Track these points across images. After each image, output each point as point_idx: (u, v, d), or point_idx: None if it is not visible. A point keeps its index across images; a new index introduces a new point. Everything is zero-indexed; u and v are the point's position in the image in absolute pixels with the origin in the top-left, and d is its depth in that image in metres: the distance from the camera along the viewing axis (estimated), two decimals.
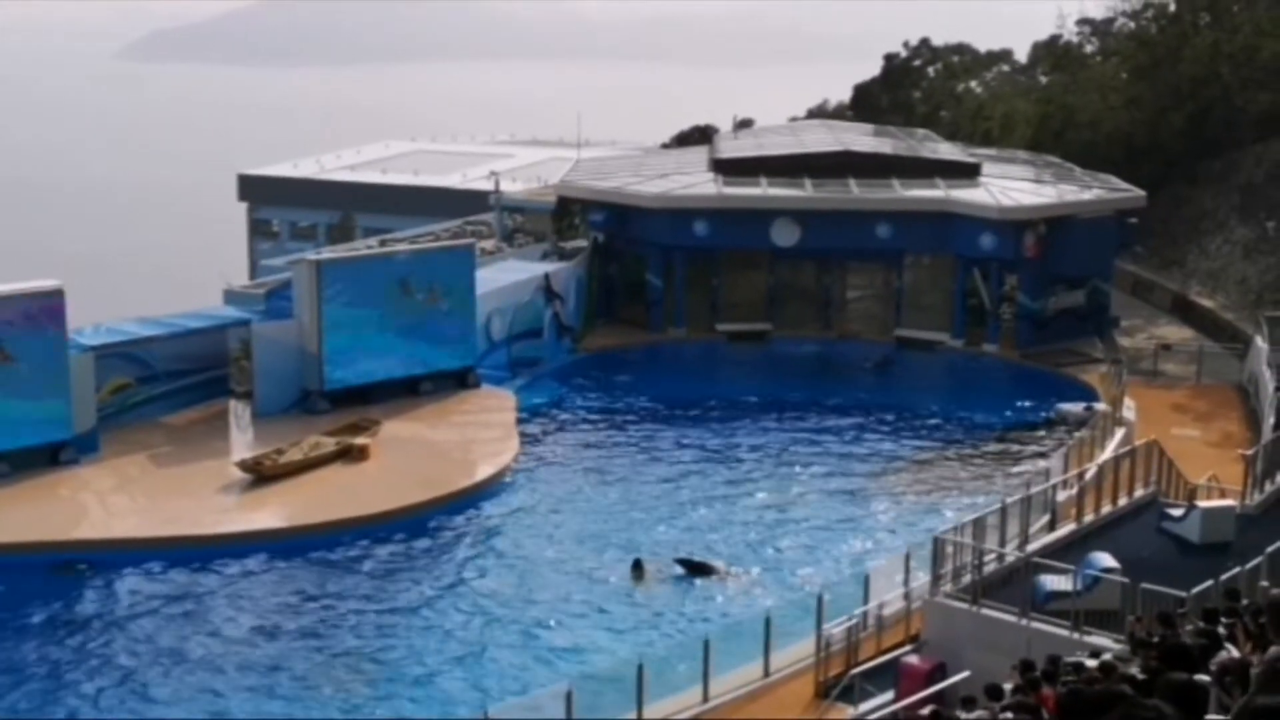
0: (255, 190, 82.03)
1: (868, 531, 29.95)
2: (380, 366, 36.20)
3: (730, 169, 46.03)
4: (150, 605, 25.86)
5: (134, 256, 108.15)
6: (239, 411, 35.41)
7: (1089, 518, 25.02)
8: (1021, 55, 73.04)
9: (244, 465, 31.21)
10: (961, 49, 72.80)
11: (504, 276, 40.84)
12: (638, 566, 27.43)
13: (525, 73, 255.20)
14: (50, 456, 31.07)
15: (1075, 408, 36.29)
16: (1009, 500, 24.16)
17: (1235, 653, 11.74)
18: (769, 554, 28.64)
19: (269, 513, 29.90)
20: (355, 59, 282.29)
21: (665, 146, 65.26)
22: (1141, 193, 44.50)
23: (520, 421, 35.53)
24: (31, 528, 28.24)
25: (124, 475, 31.33)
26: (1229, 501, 25.26)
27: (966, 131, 60.44)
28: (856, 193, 43.87)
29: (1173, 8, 57.49)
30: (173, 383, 34.60)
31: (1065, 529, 24.70)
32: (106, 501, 30.39)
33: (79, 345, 31.99)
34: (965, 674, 19.72)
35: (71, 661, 23.87)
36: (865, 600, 23.20)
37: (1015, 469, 32.83)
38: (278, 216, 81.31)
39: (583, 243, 46.11)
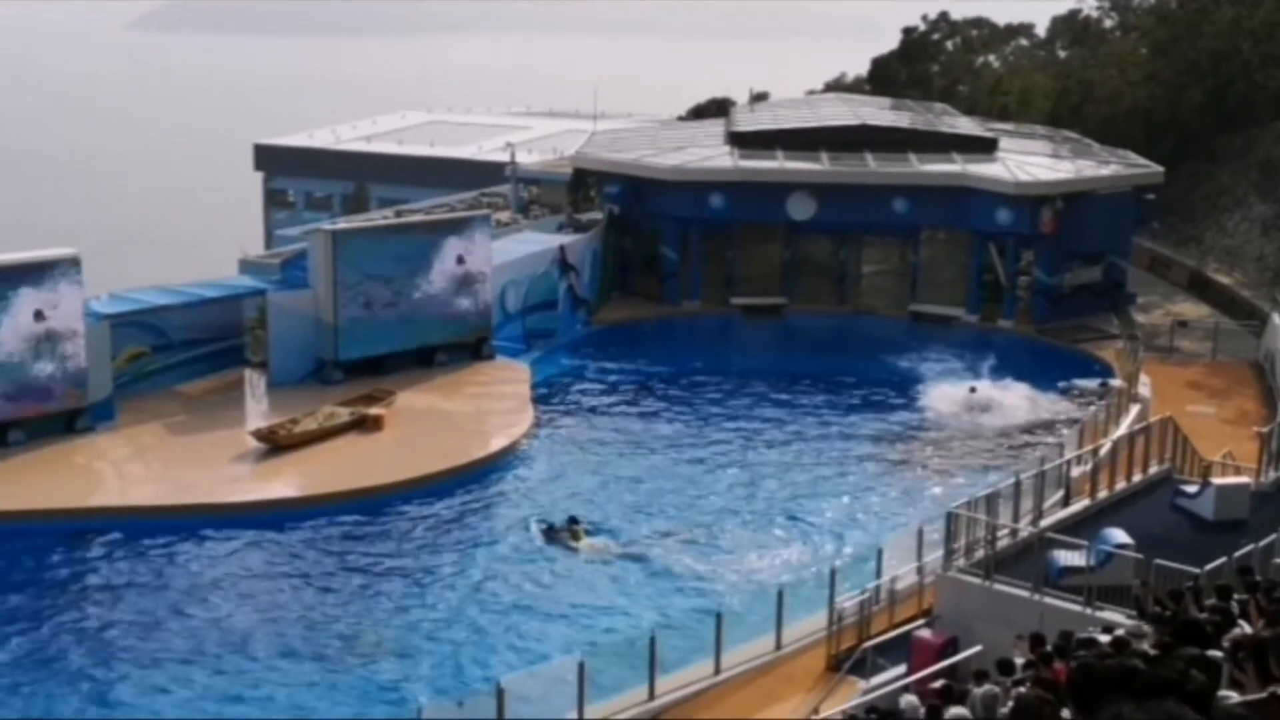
0: (271, 160, 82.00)
1: (878, 505, 29.95)
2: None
3: (746, 142, 45.91)
4: (164, 573, 25.99)
5: (149, 227, 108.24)
6: (254, 381, 35.49)
7: (1103, 494, 25.00)
8: (1041, 29, 72.64)
9: (259, 435, 31.31)
10: (980, 23, 72.30)
11: (519, 248, 40.81)
12: (573, 522, 27.78)
13: (541, 45, 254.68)
14: (66, 424, 31.22)
15: (1090, 384, 36.22)
16: (1023, 475, 24.16)
17: (1248, 629, 11.74)
18: (778, 525, 28.69)
19: (283, 482, 30.00)
20: (368, 30, 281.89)
21: (681, 119, 64.96)
22: (1159, 169, 44.30)
23: (534, 393, 35.57)
24: (47, 495, 28.37)
25: (139, 444, 31.46)
26: (1244, 479, 25.21)
27: (984, 106, 60.10)
28: (873, 167, 43.70)
29: None
30: (188, 352, 34.69)
31: (1079, 505, 24.67)
32: (122, 470, 30.54)
33: (95, 314, 32.08)
34: (977, 649, 19.75)
35: (85, 628, 24.02)
36: (878, 574, 23.23)
37: (1029, 444, 32.79)
38: (293, 186, 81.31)
39: (598, 215, 46.00)
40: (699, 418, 35.41)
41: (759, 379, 38.37)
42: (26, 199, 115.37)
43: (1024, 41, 72.92)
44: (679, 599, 25.39)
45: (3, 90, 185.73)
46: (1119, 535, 21.43)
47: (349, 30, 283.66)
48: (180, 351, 34.54)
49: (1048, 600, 20.53)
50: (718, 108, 63.35)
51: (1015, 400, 35.81)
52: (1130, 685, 7.23)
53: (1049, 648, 14.91)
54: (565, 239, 42.44)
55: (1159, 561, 19.58)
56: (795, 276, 44.65)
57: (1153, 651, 11.10)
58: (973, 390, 36.09)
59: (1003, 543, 22.16)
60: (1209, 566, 18.98)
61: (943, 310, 43.36)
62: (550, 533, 27.80)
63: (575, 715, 19.63)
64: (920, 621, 22.21)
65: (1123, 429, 29.16)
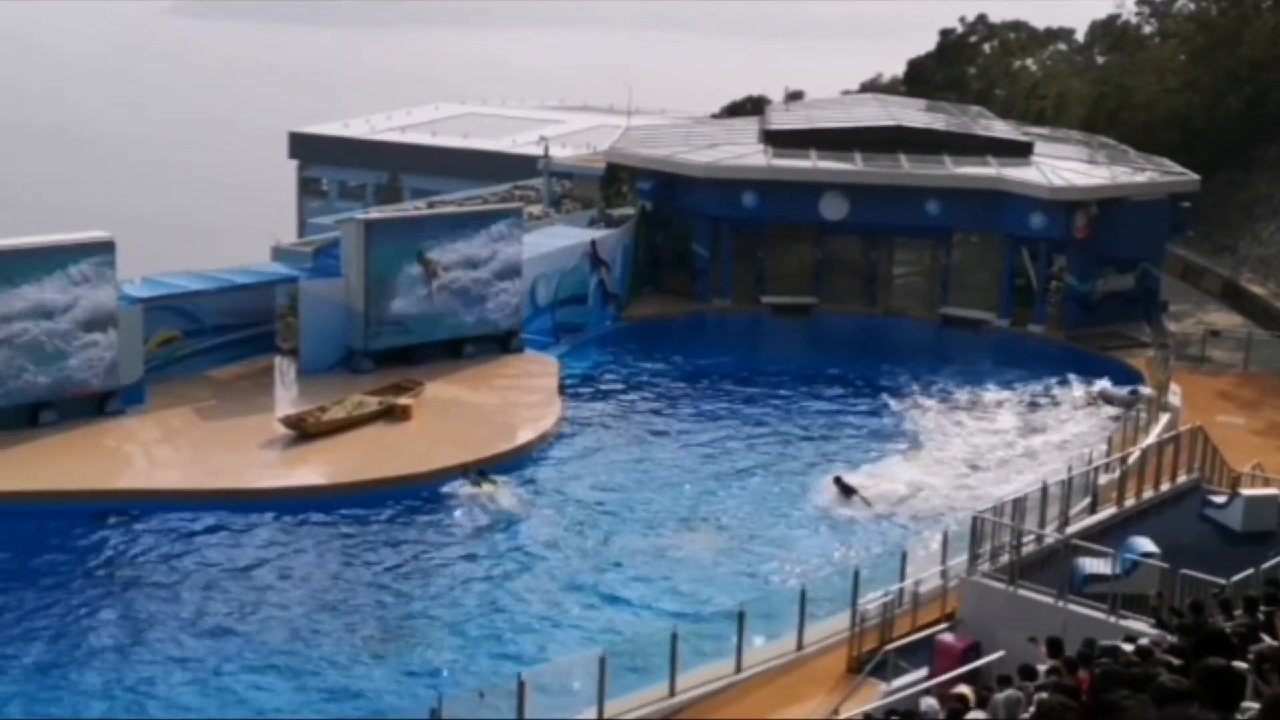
0: (306, 149, 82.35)
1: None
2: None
3: (780, 140, 45.83)
4: (190, 558, 26.13)
5: (183, 212, 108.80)
6: (284, 368, 35.66)
7: (1130, 502, 24.90)
8: (1080, 34, 72.30)
9: (287, 421, 31.45)
10: (1019, 26, 72.04)
11: (550, 242, 40.87)
12: (482, 474, 29.10)
13: (576, 40, 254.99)
14: (97, 406, 31.42)
15: (1120, 391, 36.05)
16: (1050, 481, 24.07)
17: (1273, 641, 11.70)
18: (804, 524, 28.66)
19: (311, 469, 30.14)
20: (404, 22, 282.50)
21: (715, 116, 64.98)
22: (1195, 176, 44.00)
23: (562, 387, 35.60)
24: (77, 476, 28.55)
25: (169, 427, 31.64)
26: (1273, 490, 25.06)
27: (1020, 110, 59.93)
28: (907, 168, 43.58)
29: None
30: (219, 337, 34.86)
31: (1106, 512, 24.59)
32: (151, 453, 30.72)
33: (128, 297, 32.29)
34: (1000, 654, 19.69)
35: (108, 609, 24.16)
36: (901, 577, 23.18)
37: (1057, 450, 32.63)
38: (327, 175, 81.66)
39: (630, 211, 46.07)
40: (725, 414, 35.36)
41: (787, 378, 38.29)
42: (62, 183, 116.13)
43: (1062, 46, 72.57)
44: (703, 588, 25.40)
45: (37, 75, 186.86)
46: (1145, 544, 21.32)
47: (385, 21, 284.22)
48: (211, 337, 34.72)
49: (1072, 607, 20.45)
50: (753, 106, 63.29)
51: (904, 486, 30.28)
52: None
53: (1073, 655, 14.87)
54: (597, 234, 42.47)
55: (1185, 572, 19.50)
56: (826, 276, 44.53)
57: (1176, 661, 11.08)
58: (837, 481, 29.97)
59: (1028, 548, 22.09)
60: (1236, 578, 18.88)
61: (973, 314, 43.21)
62: (471, 482, 29.22)
63: (595, 710, 19.66)
64: (943, 625, 22.16)
65: (1152, 438, 29.02)
